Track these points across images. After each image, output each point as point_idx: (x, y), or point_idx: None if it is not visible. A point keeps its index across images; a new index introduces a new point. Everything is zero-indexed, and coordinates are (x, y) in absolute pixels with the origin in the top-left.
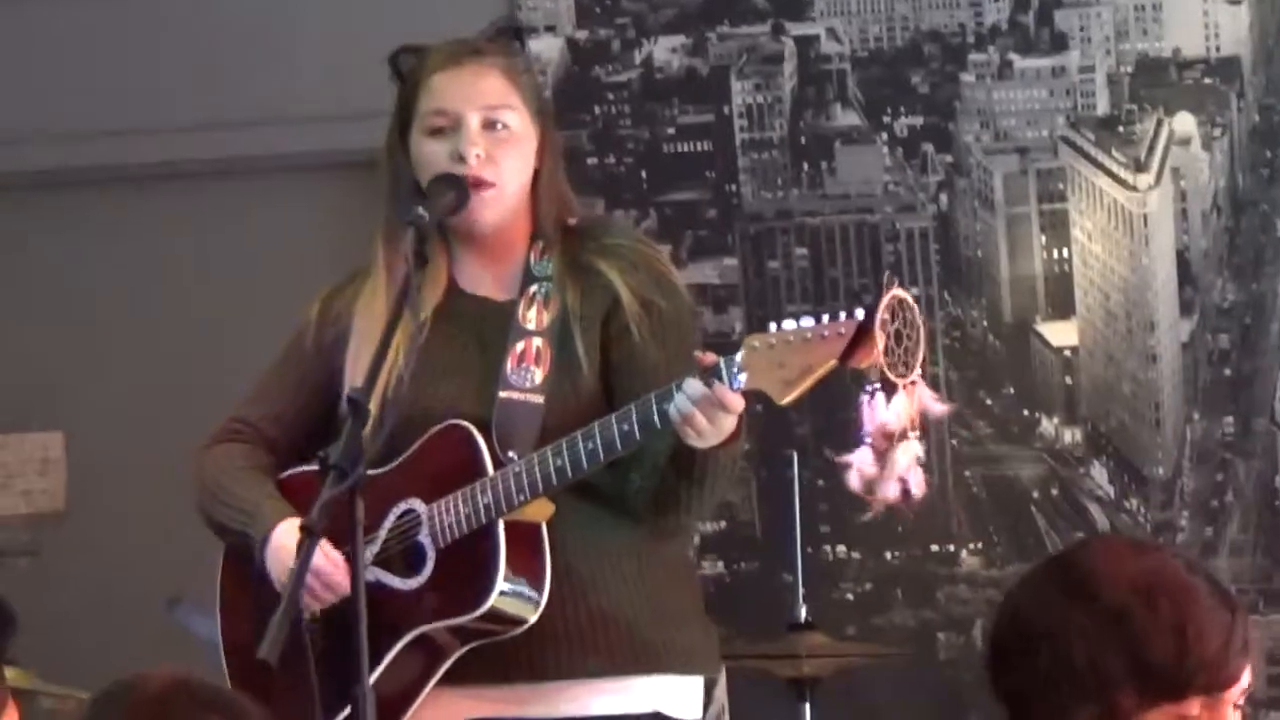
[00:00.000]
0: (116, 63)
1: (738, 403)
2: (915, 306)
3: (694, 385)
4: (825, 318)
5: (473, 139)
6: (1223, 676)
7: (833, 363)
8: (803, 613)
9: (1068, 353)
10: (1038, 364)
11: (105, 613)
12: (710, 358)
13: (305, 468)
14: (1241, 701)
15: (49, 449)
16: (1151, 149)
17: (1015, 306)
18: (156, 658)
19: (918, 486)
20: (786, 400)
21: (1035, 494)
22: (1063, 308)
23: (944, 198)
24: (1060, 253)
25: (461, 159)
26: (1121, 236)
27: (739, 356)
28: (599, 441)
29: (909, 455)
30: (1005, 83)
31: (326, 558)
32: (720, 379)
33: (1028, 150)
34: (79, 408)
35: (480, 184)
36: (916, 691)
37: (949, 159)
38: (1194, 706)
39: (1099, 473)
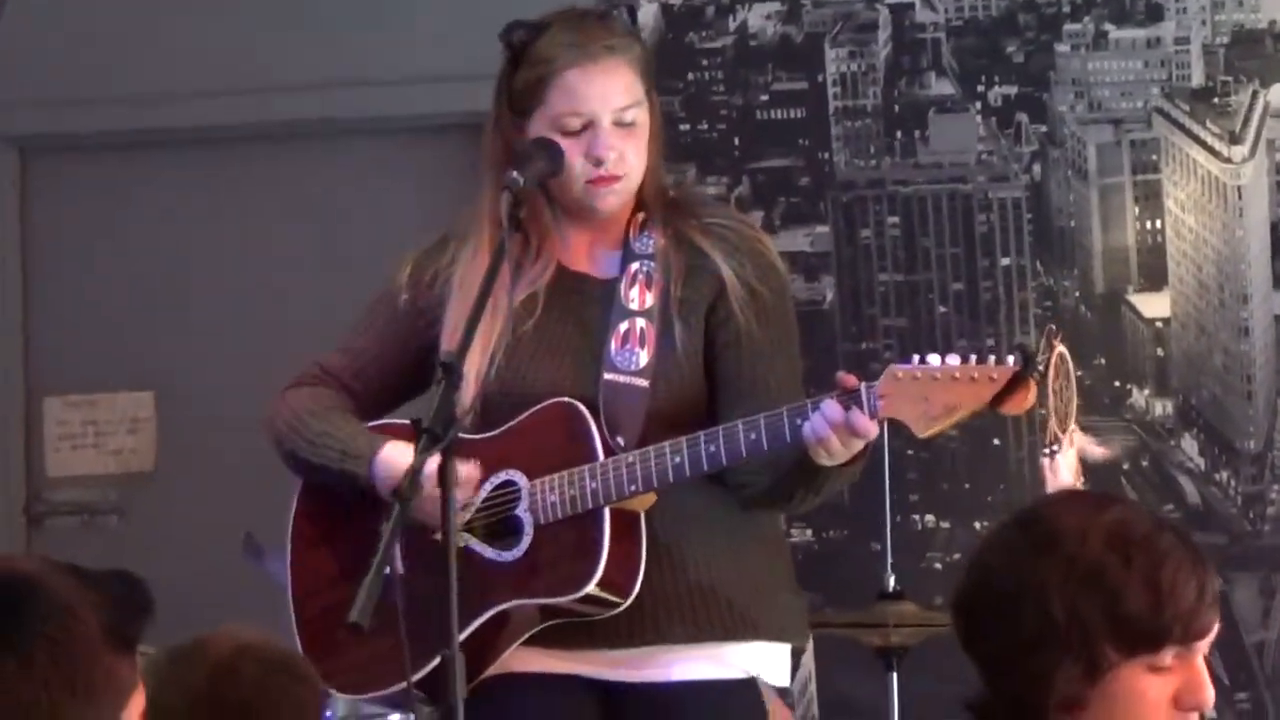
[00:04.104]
0: (205, 23)
1: (873, 431)
2: (1069, 359)
3: (832, 408)
4: (974, 358)
5: (610, 143)
6: (1196, 627)
7: (980, 406)
8: (891, 581)
9: (1159, 324)
10: (1129, 335)
11: (192, 570)
12: (851, 380)
13: (391, 420)
14: (1207, 653)
15: (139, 408)
16: (1246, 121)
17: (1107, 277)
18: (242, 615)
19: None
20: (926, 434)
21: (1126, 465)
22: (1155, 279)
23: (1037, 168)
24: (1153, 224)
25: (599, 162)
26: (1215, 208)
27: (880, 385)
28: (722, 445)
29: None
30: (1100, 53)
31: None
32: (859, 406)
33: (1122, 121)
34: (169, 368)
35: (613, 179)
36: None
37: (1043, 129)
38: (1168, 657)
39: (1189, 445)
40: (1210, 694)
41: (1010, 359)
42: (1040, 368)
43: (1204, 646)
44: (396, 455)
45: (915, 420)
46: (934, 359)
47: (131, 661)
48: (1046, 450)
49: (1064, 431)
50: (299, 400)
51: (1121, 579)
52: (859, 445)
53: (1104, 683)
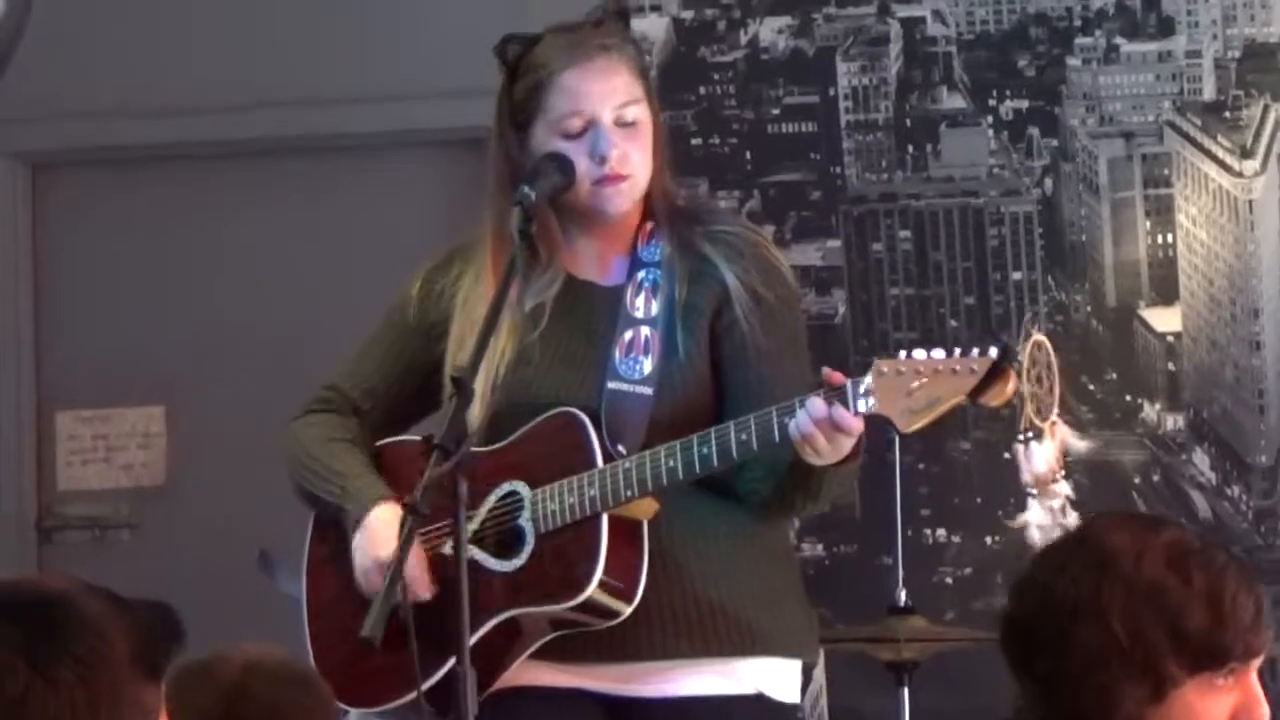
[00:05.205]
0: (214, 40)
1: (857, 426)
2: (1050, 348)
3: (816, 405)
4: (957, 351)
5: (612, 139)
6: (1255, 644)
7: (961, 398)
8: (902, 596)
9: (1171, 338)
10: (1141, 349)
11: (204, 585)
12: (838, 377)
13: (404, 437)
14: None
15: (150, 423)
16: (1258, 135)
17: (1119, 291)
18: (254, 630)
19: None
20: (910, 429)
21: (1137, 479)
22: (1166, 293)
23: (1049, 182)
24: (1165, 238)
25: (603, 160)
26: (1226, 222)
27: (865, 380)
28: (714, 448)
29: (1061, 499)
30: (1111, 67)
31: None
32: (844, 402)
33: (1133, 135)
34: (180, 382)
35: (619, 179)
36: None
37: (1054, 143)
38: (1226, 675)
39: (1201, 459)
40: (1266, 711)
41: (993, 350)
42: (1019, 357)
43: (1258, 664)
44: (382, 529)
45: (899, 415)
46: (918, 352)
47: (157, 689)
48: (1021, 437)
49: (1044, 421)
50: (307, 433)
51: (1183, 596)
52: (846, 443)
53: (1167, 702)
